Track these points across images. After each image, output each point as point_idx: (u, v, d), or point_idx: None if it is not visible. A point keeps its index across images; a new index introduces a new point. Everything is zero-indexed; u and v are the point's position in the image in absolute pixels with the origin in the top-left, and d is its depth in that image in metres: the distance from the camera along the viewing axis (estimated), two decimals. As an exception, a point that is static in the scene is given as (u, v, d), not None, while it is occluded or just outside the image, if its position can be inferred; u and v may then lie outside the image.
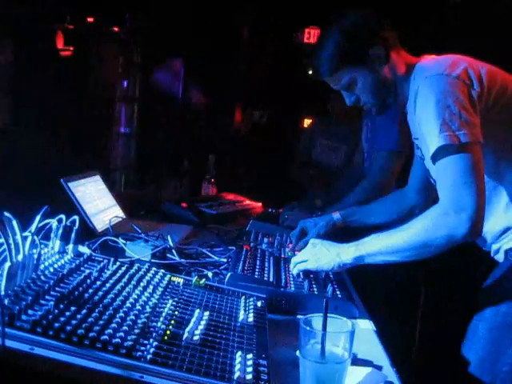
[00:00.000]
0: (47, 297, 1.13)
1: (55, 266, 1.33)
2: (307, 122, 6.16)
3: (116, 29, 4.53)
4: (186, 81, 4.65)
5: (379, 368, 1.23)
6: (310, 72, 2.61)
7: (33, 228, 1.24)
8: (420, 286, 2.16)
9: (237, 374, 1.00)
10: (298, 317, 1.50)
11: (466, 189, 1.42)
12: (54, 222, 1.42)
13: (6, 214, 1.12)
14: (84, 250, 1.54)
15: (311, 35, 5.37)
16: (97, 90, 4.12)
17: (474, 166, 1.45)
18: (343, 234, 1.98)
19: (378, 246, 1.57)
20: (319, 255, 1.68)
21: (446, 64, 1.57)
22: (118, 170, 4.00)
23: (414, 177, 2.04)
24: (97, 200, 2.23)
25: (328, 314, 1.12)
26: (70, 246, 1.46)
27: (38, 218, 1.27)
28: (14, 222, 1.13)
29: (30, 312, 1.03)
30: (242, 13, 5.12)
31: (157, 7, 4.14)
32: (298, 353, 1.15)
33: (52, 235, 1.43)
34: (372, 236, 1.61)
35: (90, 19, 4.27)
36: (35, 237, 1.22)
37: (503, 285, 1.69)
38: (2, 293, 1.07)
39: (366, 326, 1.50)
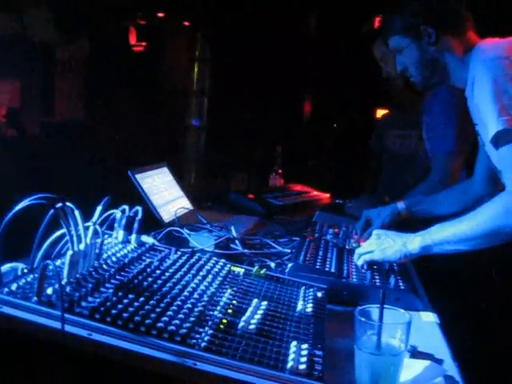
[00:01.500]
0: (107, 285, 1.16)
1: (118, 255, 1.37)
2: (380, 113, 6.06)
3: (186, 23, 4.61)
4: (255, 72, 4.66)
5: (440, 361, 1.19)
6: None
7: (95, 218, 1.29)
8: (492, 279, 2.07)
9: (290, 364, 1.00)
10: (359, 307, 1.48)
11: None
12: (117, 213, 1.46)
13: (69, 204, 1.16)
14: (147, 239, 1.58)
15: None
16: (169, 83, 4.21)
17: None
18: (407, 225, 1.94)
19: (445, 235, 1.55)
20: (385, 246, 1.66)
21: (505, 47, 1.55)
22: (189, 161, 4.07)
23: (479, 166, 1.98)
24: (164, 191, 2.27)
25: (385, 306, 1.10)
26: (133, 236, 1.49)
27: (99, 208, 1.31)
28: (77, 212, 1.18)
29: (89, 299, 1.07)
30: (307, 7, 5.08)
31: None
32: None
33: (116, 225, 1.47)
34: (438, 225, 1.58)
35: (161, 14, 4.37)
36: (97, 226, 1.26)
37: None
38: (65, 280, 1.11)
39: (429, 318, 1.46)
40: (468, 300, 2.03)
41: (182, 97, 4.31)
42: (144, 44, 4.26)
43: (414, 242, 1.60)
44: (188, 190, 2.54)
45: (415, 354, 1.19)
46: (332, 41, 5.15)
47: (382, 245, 1.66)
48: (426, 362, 1.13)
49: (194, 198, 2.53)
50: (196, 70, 4.42)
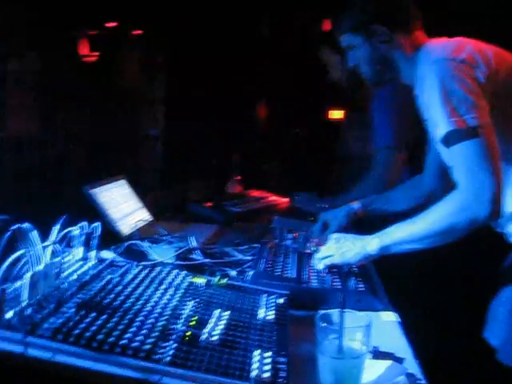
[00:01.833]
0: (69, 304, 1.16)
1: (78, 272, 1.36)
2: (333, 114, 6.14)
3: (138, 32, 4.59)
4: (209, 80, 4.67)
5: (401, 360, 1.23)
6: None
7: (53, 237, 1.28)
8: (450, 276, 2.14)
9: (254, 373, 1.02)
10: (320, 311, 1.50)
11: (483, 172, 1.44)
12: (75, 230, 1.45)
13: (26, 224, 1.15)
14: (107, 255, 1.58)
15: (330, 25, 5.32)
16: (123, 93, 4.18)
17: (488, 149, 1.46)
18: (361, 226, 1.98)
19: (403, 235, 1.59)
20: (344, 249, 1.68)
21: (452, 48, 1.59)
22: (146, 171, 4.05)
23: (429, 161, 2.04)
24: (122, 204, 2.26)
25: (345, 309, 1.12)
26: (93, 252, 1.49)
27: (57, 227, 1.30)
28: (34, 233, 1.17)
29: (51, 320, 1.07)
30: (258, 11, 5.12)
31: (176, 9, 4.17)
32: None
33: (74, 242, 1.46)
34: (395, 225, 1.62)
35: (112, 24, 4.34)
36: (56, 245, 1.25)
37: None
38: (24, 303, 1.10)
39: (389, 318, 1.49)
40: (427, 297, 2.09)
41: (137, 106, 4.29)
42: (96, 54, 4.22)
43: (372, 244, 1.63)
44: (146, 201, 2.53)
45: (377, 354, 1.22)
46: (284, 45, 5.21)
47: (342, 248, 1.68)
48: (388, 362, 1.16)
49: (152, 210, 2.53)
50: (151, 78, 4.40)
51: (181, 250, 1.80)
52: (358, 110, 3.51)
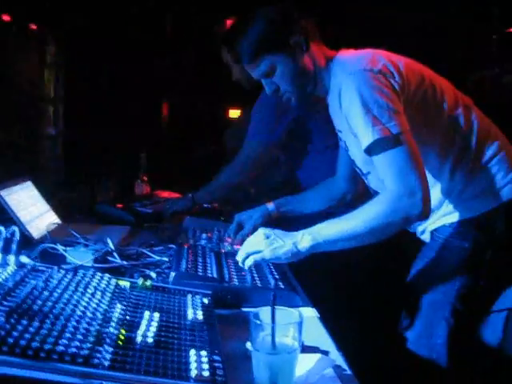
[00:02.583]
0: (-4, 312, 1.12)
1: (-1, 279, 1.31)
2: (232, 113, 6.21)
3: (34, 27, 4.41)
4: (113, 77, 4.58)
5: (326, 353, 1.29)
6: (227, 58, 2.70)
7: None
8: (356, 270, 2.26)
9: (194, 372, 1.04)
10: (244, 309, 1.54)
11: (412, 174, 1.53)
12: (-8, 235, 1.40)
13: None
14: (25, 260, 1.53)
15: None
16: (18, 91, 4.00)
17: (412, 153, 1.55)
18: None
19: (336, 233, 1.59)
20: (275, 245, 1.61)
21: (367, 59, 1.65)
22: (49, 172, 3.91)
23: (341, 166, 2.13)
24: (31, 207, 2.19)
25: (276, 307, 1.17)
26: (12, 258, 1.44)
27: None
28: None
29: (-20, 330, 1.03)
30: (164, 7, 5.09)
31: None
32: (248, 345, 1.20)
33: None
34: (325, 223, 1.61)
35: (6, 17, 4.14)
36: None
37: (431, 264, 1.81)
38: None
39: (309, 313, 1.56)
40: (341, 292, 2.19)
41: (35, 105, 4.12)
42: (-13, 47, 4.01)
43: (303, 241, 1.59)
44: (52, 203, 2.45)
45: (303, 348, 1.27)
46: (185, 43, 5.20)
47: (273, 245, 1.61)
48: (316, 356, 1.22)
49: (59, 212, 2.46)
50: (49, 75, 4.24)
51: (98, 253, 1.78)
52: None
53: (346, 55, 1.76)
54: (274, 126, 2.56)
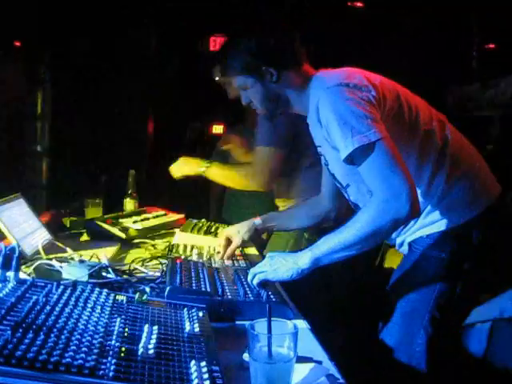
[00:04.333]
0: (1, 326, 1.15)
1: (0, 295, 1.34)
2: (216, 128, 6.28)
3: (18, 43, 4.44)
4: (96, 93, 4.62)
5: (319, 363, 1.34)
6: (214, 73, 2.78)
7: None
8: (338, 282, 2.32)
9: (195, 382, 1.08)
10: (237, 323, 1.59)
11: (395, 176, 1.59)
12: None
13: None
14: (24, 275, 1.56)
15: (216, 43, 5.48)
16: (4, 108, 4.03)
17: (393, 156, 1.61)
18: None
19: (331, 245, 1.66)
20: (277, 266, 1.74)
21: (343, 75, 1.74)
22: (35, 189, 3.93)
23: (325, 183, 2.20)
24: (23, 223, 2.22)
25: (271, 318, 1.22)
26: (12, 274, 1.47)
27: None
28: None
29: (-12, 343, 1.06)
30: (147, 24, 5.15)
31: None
32: (245, 356, 1.25)
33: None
34: (323, 237, 1.70)
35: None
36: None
37: (410, 274, 1.88)
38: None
39: (301, 325, 1.61)
40: (326, 305, 2.25)
41: (21, 120, 4.14)
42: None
43: (303, 258, 1.69)
44: (42, 220, 2.48)
45: (297, 358, 1.32)
46: (169, 59, 5.26)
47: (274, 265, 1.74)
48: (310, 365, 1.27)
49: (49, 228, 2.48)
50: (34, 92, 4.27)
51: (94, 269, 1.81)
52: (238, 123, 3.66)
53: (324, 74, 1.84)
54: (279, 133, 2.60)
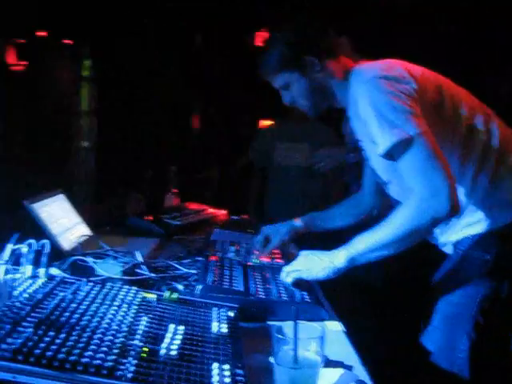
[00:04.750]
0: (25, 323, 1.15)
1: (28, 291, 1.34)
2: (264, 124, 6.24)
3: (69, 41, 4.51)
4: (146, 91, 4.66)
5: (350, 368, 1.29)
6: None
7: (5, 256, 1.26)
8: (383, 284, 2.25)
9: (215, 385, 1.05)
10: (269, 323, 1.55)
11: (434, 172, 1.53)
12: (23, 247, 1.44)
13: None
14: (55, 271, 1.56)
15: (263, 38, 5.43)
16: (53, 104, 4.10)
17: (433, 151, 1.55)
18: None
19: (368, 244, 1.64)
20: (312, 264, 1.72)
21: (383, 67, 1.68)
22: (81, 185, 3.99)
23: (366, 181, 2.14)
24: (62, 219, 2.23)
25: (298, 321, 1.17)
26: (42, 270, 1.47)
27: (10, 246, 1.29)
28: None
29: (9, 340, 1.06)
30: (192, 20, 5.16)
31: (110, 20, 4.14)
32: (271, 359, 1.21)
33: (23, 260, 1.44)
34: (359, 236, 1.67)
35: (42, 33, 4.25)
36: (8, 265, 1.24)
37: (453, 277, 1.79)
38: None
39: (335, 327, 1.56)
40: (367, 307, 2.18)
41: (69, 117, 4.21)
42: (24, 63, 4.12)
43: (339, 257, 1.66)
44: (84, 215, 2.50)
45: (327, 363, 1.27)
46: (217, 56, 5.26)
47: (309, 264, 1.73)
48: (339, 370, 1.22)
49: (90, 224, 2.50)
50: (84, 89, 4.34)
51: (127, 266, 1.80)
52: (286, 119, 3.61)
53: (363, 66, 1.78)
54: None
